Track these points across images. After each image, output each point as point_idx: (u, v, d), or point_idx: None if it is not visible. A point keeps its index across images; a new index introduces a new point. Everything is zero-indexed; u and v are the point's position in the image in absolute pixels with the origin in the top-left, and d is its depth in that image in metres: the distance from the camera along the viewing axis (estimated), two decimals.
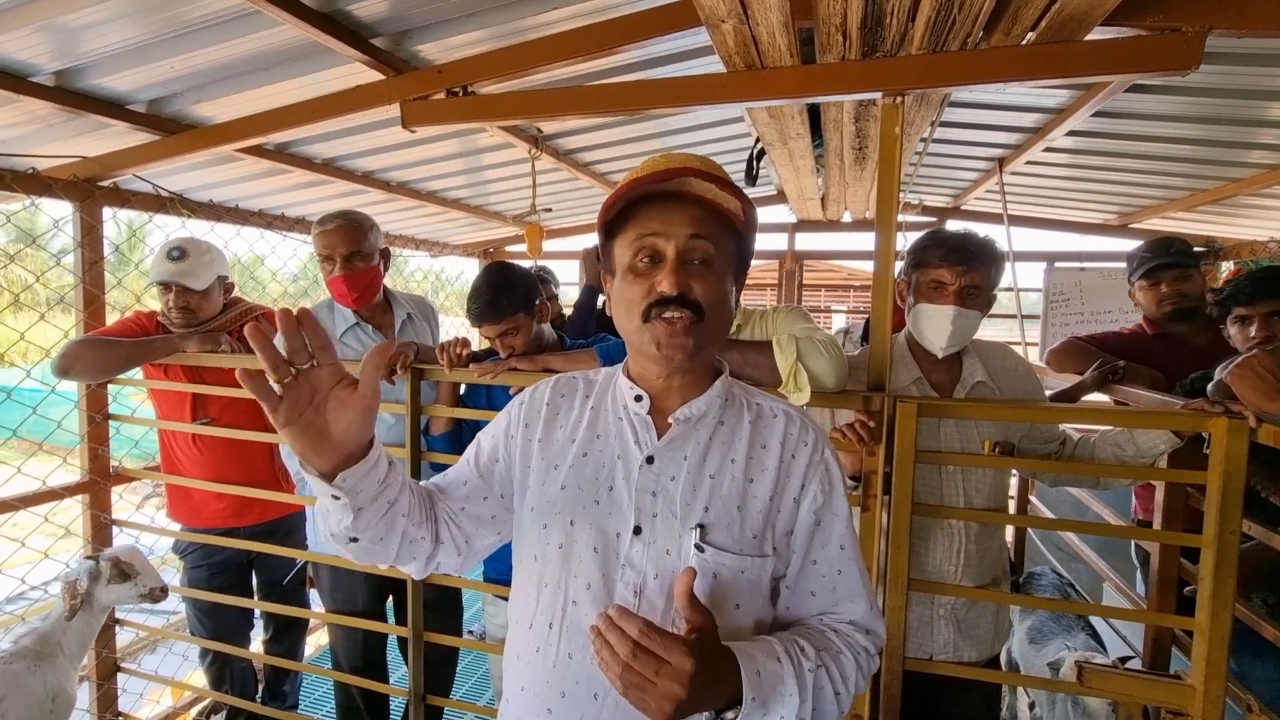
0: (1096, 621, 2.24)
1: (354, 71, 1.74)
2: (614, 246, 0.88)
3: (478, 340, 2.76)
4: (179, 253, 2.02)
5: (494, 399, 1.86)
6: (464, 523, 0.93)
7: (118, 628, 2.26)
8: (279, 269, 3.24)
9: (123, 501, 2.29)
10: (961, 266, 1.44)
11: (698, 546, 0.82)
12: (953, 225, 4.13)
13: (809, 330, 1.51)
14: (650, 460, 0.86)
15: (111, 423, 2.19)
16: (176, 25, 1.52)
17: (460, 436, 1.92)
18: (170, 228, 2.44)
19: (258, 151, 2.26)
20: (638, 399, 0.89)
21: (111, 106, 1.85)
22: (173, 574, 2.39)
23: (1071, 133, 2.36)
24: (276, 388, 0.69)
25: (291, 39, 1.60)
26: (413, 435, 1.80)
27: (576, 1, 1.58)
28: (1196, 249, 3.54)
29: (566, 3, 1.58)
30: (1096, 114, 2.14)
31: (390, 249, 2.05)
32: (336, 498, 0.75)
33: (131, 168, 2.07)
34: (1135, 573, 2.45)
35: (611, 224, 0.86)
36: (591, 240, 4.43)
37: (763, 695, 0.73)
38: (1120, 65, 1.25)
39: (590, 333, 2.13)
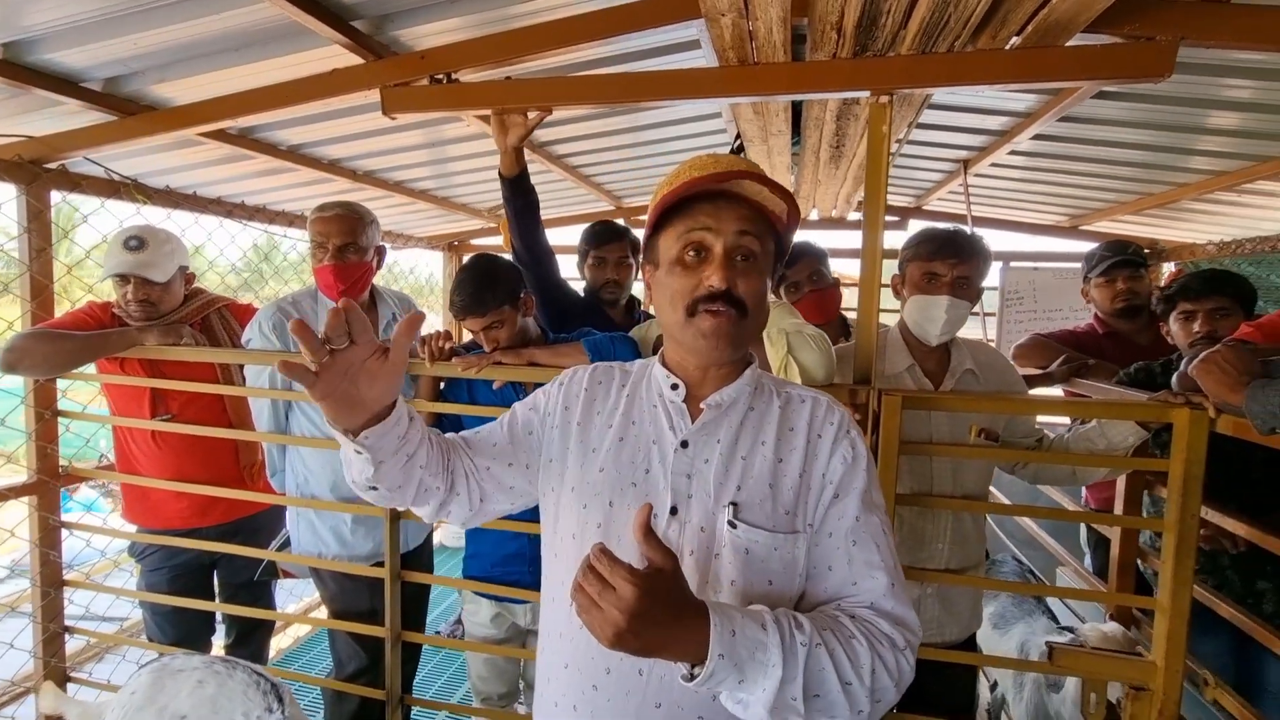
0: (1053, 605, 2.35)
1: (331, 54, 1.68)
2: (659, 239, 0.91)
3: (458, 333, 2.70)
4: (137, 242, 1.91)
5: (476, 394, 1.83)
6: (484, 481, 0.98)
7: (67, 635, 2.14)
8: (220, 259, 3.09)
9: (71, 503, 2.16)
10: (954, 259, 1.52)
11: (730, 524, 0.84)
12: (915, 225, 4.27)
13: (798, 325, 1.53)
14: (685, 444, 0.90)
15: (61, 420, 2.06)
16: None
17: (441, 431, 1.88)
18: (123, 214, 2.30)
19: (220, 136, 2.16)
20: (674, 387, 0.93)
21: (63, 83, 1.74)
22: (127, 577, 2.27)
23: (1034, 137, 2.45)
24: (313, 367, 0.76)
25: (267, 18, 1.53)
26: None
27: None
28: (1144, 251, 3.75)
29: None
30: (1060, 119, 2.23)
31: (385, 247, 2.00)
32: (359, 452, 0.82)
33: (83, 149, 1.95)
34: (1084, 557, 2.60)
35: (661, 217, 0.88)
36: (564, 232, 4.39)
37: (736, 657, 0.70)
38: (1099, 71, 1.31)
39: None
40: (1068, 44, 1.32)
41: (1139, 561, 1.89)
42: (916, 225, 4.27)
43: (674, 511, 0.86)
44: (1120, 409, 1.54)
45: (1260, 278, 3.12)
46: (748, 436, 0.90)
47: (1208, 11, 1.30)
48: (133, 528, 2.14)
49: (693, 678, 0.71)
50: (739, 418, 0.91)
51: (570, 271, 2.25)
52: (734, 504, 0.85)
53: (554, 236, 1.99)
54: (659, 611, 0.68)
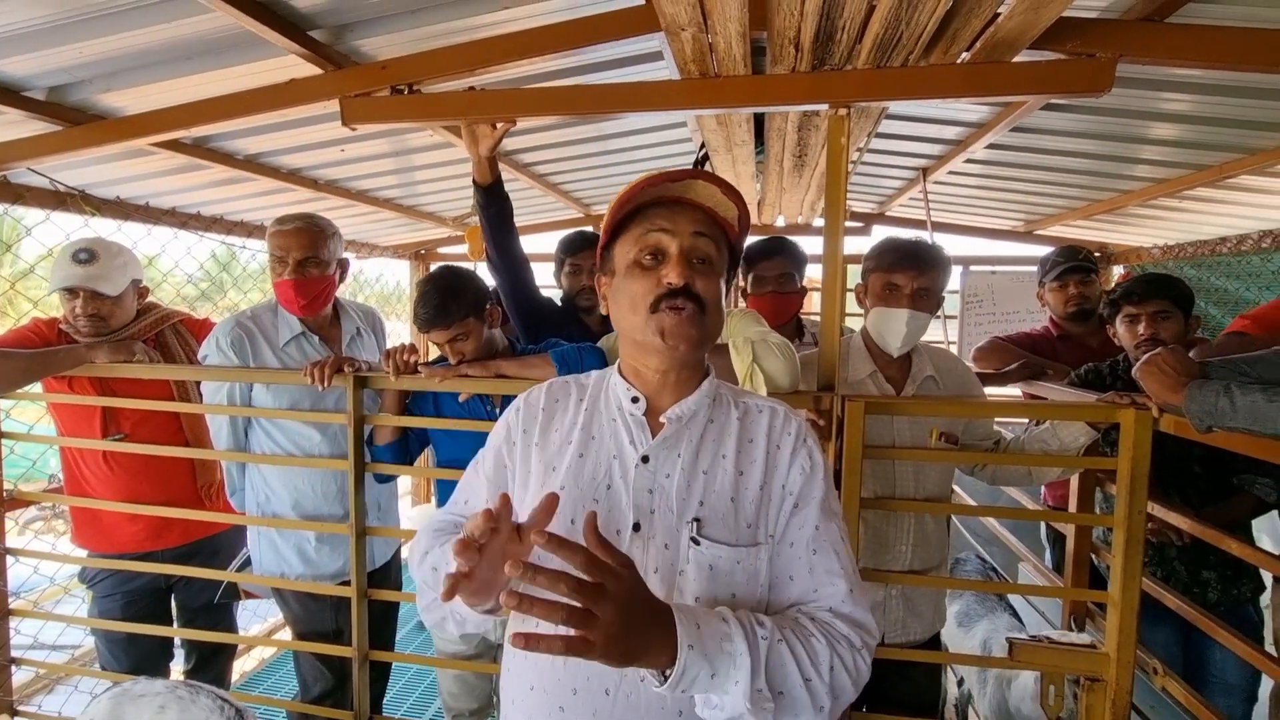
0: (1016, 602, 2.42)
1: (288, 64, 1.65)
2: (615, 247, 0.91)
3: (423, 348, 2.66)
4: (87, 255, 1.85)
5: (442, 407, 1.81)
6: None
7: (14, 667, 2.05)
8: (175, 271, 2.99)
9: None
10: (914, 271, 1.55)
11: (693, 540, 0.84)
12: (878, 230, 4.36)
13: (763, 333, 1.55)
14: (645, 459, 0.89)
15: (5, 441, 1.97)
16: (90, 7, 1.40)
17: (406, 446, 1.86)
18: (71, 227, 2.22)
19: (173, 146, 2.10)
20: (634, 400, 0.92)
21: (4, 92, 1.68)
22: (79, 604, 2.18)
23: (989, 146, 2.53)
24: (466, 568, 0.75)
25: (220, 27, 1.49)
26: (356, 447, 1.72)
27: (528, 1, 1.56)
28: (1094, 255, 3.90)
29: (518, 2, 1.56)
30: (1012, 129, 2.31)
31: (349, 259, 1.96)
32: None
33: (27, 160, 1.88)
34: (1045, 552, 2.69)
35: (616, 225, 0.89)
36: (533, 240, 4.37)
37: (704, 648, 0.70)
38: (1044, 86, 1.37)
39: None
40: (1015, 60, 1.37)
41: (1093, 556, 1.96)
42: (880, 230, 4.37)
43: (636, 528, 0.86)
44: (1071, 410, 1.59)
45: (1200, 279, 3.26)
46: (708, 450, 0.90)
47: (1144, 30, 1.36)
48: (84, 552, 2.06)
49: (664, 680, 0.71)
50: (699, 431, 0.91)
51: (545, 279, 2.24)
52: (697, 520, 0.85)
53: (523, 245, 1.98)
54: (630, 614, 0.68)
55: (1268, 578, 1.94)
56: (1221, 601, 1.88)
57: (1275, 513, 1.90)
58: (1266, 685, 1.93)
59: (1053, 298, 2.40)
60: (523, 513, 0.93)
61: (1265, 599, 1.96)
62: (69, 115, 1.81)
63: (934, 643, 1.73)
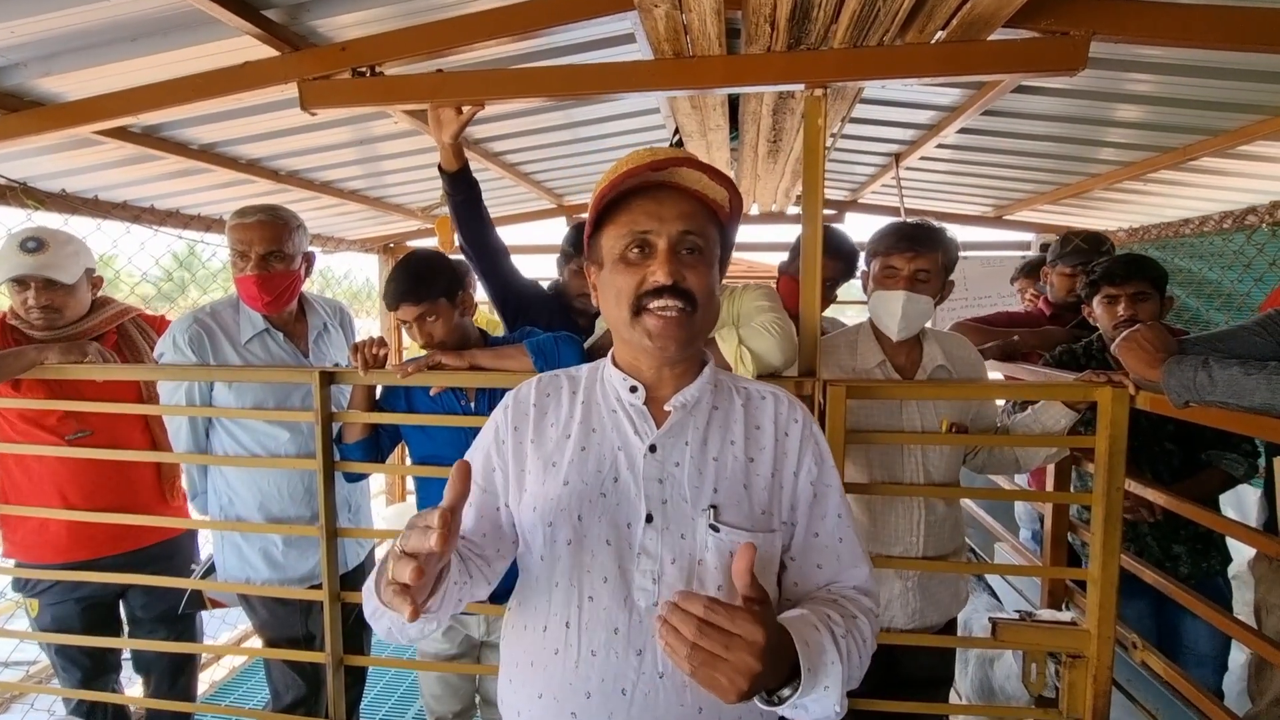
0: (994, 582, 2.46)
1: (242, 46, 1.57)
2: (601, 237, 0.87)
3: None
4: (35, 244, 1.74)
5: (414, 401, 1.75)
6: (484, 549, 0.91)
7: None
8: (129, 267, 2.86)
9: None
10: (910, 253, 1.53)
11: (713, 527, 0.83)
12: (851, 218, 4.37)
13: (761, 309, 1.53)
14: (653, 449, 0.87)
15: None
16: None
17: (378, 444, 1.79)
18: (13, 222, 2.10)
19: (122, 134, 1.99)
20: (632, 390, 0.90)
21: None
22: (13, 618, 2.06)
23: (960, 130, 2.54)
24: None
25: (167, 5, 1.41)
26: (324, 445, 1.66)
27: None
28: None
29: None
30: (982, 113, 2.31)
31: (315, 253, 1.88)
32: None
33: None
34: (1019, 531, 2.74)
35: (601, 214, 0.85)
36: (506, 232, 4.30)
37: (812, 663, 0.72)
38: (1019, 64, 1.36)
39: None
40: (990, 38, 1.36)
41: (1070, 534, 1.99)
42: (853, 218, 4.38)
43: (650, 519, 0.84)
44: (1048, 389, 1.60)
45: (1164, 260, 3.33)
46: (716, 436, 0.89)
47: (1116, 7, 1.36)
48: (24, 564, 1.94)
49: (774, 701, 0.70)
50: (704, 418, 0.90)
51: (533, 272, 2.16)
52: (714, 507, 0.84)
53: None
54: (775, 644, 0.67)
55: (1235, 551, 1.99)
56: (1192, 575, 1.92)
57: (1241, 487, 1.95)
58: (1235, 656, 1.99)
59: (1059, 280, 2.36)
60: (522, 513, 0.90)
61: (1233, 570, 2.01)
62: (4, 101, 1.71)
63: (950, 627, 1.72)
